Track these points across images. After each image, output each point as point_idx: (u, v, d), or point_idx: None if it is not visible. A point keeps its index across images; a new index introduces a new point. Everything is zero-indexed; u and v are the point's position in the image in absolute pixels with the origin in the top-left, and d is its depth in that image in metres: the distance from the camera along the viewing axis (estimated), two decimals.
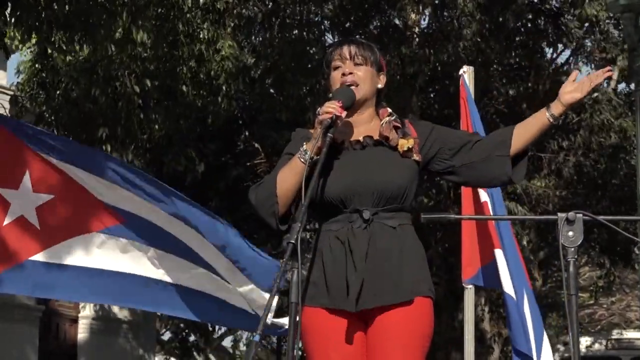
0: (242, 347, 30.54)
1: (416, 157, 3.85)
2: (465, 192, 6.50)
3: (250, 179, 17.47)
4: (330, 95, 3.89)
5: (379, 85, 3.98)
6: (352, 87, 3.88)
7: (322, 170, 3.77)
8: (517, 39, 15.23)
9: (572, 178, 15.94)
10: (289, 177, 3.77)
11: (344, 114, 3.81)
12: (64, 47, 10.32)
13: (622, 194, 16.24)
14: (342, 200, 3.80)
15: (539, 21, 14.86)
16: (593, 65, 16.24)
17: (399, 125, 3.89)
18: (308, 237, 12.30)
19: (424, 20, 15.14)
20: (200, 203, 6.09)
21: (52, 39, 9.76)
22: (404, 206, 3.83)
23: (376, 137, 3.87)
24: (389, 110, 3.98)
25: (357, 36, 14.63)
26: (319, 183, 3.81)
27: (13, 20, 9.39)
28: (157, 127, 14.01)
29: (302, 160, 3.77)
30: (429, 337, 3.82)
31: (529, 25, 15.20)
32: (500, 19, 13.86)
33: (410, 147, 3.84)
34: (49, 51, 11.03)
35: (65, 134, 13.17)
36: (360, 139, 3.88)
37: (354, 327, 3.79)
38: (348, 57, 3.92)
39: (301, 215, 3.57)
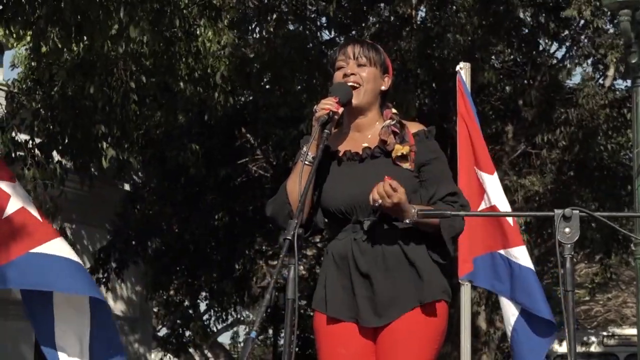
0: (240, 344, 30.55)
1: (409, 166, 3.84)
2: (463, 187, 6.48)
3: (246, 175, 17.50)
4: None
5: (383, 87, 3.97)
6: (355, 87, 3.89)
7: (323, 174, 3.82)
8: (515, 33, 15.20)
9: (562, 173, 15.94)
10: (297, 182, 3.78)
11: (340, 109, 3.83)
12: (59, 45, 10.29)
13: (612, 187, 16.27)
14: (343, 212, 3.85)
15: (541, 14, 14.81)
16: (589, 62, 16.24)
17: (397, 130, 3.88)
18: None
19: (421, 16, 15.13)
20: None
21: (47, 35, 9.74)
22: None
23: (375, 145, 3.88)
24: (393, 110, 3.97)
25: (354, 32, 14.64)
26: (320, 190, 3.86)
27: (8, 15, 9.37)
28: (154, 122, 13.99)
29: (304, 162, 3.80)
30: (439, 339, 3.83)
31: (530, 18, 15.15)
32: (501, 10, 13.78)
33: (405, 153, 3.83)
34: (43, 48, 11.00)
35: (61, 131, 13.15)
36: (360, 151, 3.89)
37: (362, 328, 3.84)
38: (352, 56, 3.92)
39: (297, 212, 3.59)
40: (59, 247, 5.80)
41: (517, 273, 6.33)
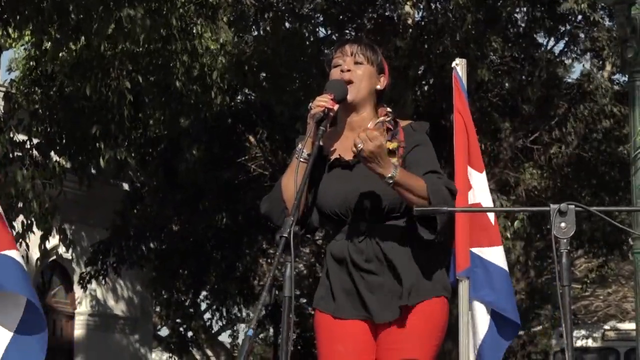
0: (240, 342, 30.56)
1: (396, 161, 3.81)
2: (459, 184, 6.46)
3: (246, 174, 17.49)
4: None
5: (378, 87, 3.99)
6: (348, 85, 3.90)
7: (317, 172, 3.83)
8: (513, 30, 15.19)
9: (562, 168, 15.94)
10: (291, 179, 3.80)
11: (335, 107, 3.84)
12: (61, 41, 10.30)
13: (612, 182, 16.27)
14: (338, 214, 3.87)
15: (536, 9, 14.80)
16: (587, 57, 16.23)
17: (391, 127, 3.90)
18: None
19: (418, 13, 15.12)
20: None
21: (49, 30, 9.76)
22: (406, 213, 3.84)
23: None
24: (388, 109, 4.00)
25: (350, 29, 14.64)
26: (314, 190, 3.87)
27: (8, 14, 9.38)
28: (154, 122, 13.98)
29: (299, 159, 3.81)
30: (440, 335, 3.85)
31: (525, 14, 15.15)
32: (495, 9, 13.79)
33: (392, 148, 3.83)
34: (45, 44, 11.01)
35: (59, 132, 13.14)
36: (349, 157, 3.88)
37: (361, 325, 3.86)
38: (349, 54, 3.95)
39: (293, 210, 3.59)
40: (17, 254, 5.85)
41: (491, 271, 6.32)
